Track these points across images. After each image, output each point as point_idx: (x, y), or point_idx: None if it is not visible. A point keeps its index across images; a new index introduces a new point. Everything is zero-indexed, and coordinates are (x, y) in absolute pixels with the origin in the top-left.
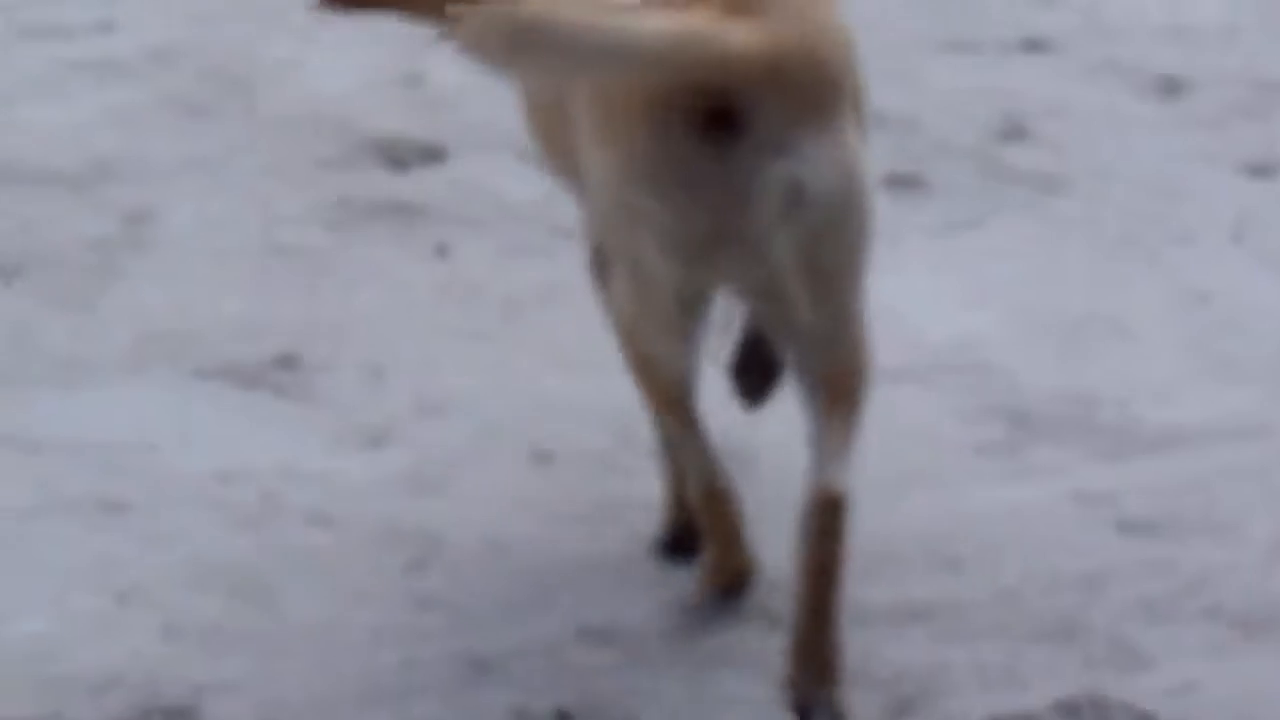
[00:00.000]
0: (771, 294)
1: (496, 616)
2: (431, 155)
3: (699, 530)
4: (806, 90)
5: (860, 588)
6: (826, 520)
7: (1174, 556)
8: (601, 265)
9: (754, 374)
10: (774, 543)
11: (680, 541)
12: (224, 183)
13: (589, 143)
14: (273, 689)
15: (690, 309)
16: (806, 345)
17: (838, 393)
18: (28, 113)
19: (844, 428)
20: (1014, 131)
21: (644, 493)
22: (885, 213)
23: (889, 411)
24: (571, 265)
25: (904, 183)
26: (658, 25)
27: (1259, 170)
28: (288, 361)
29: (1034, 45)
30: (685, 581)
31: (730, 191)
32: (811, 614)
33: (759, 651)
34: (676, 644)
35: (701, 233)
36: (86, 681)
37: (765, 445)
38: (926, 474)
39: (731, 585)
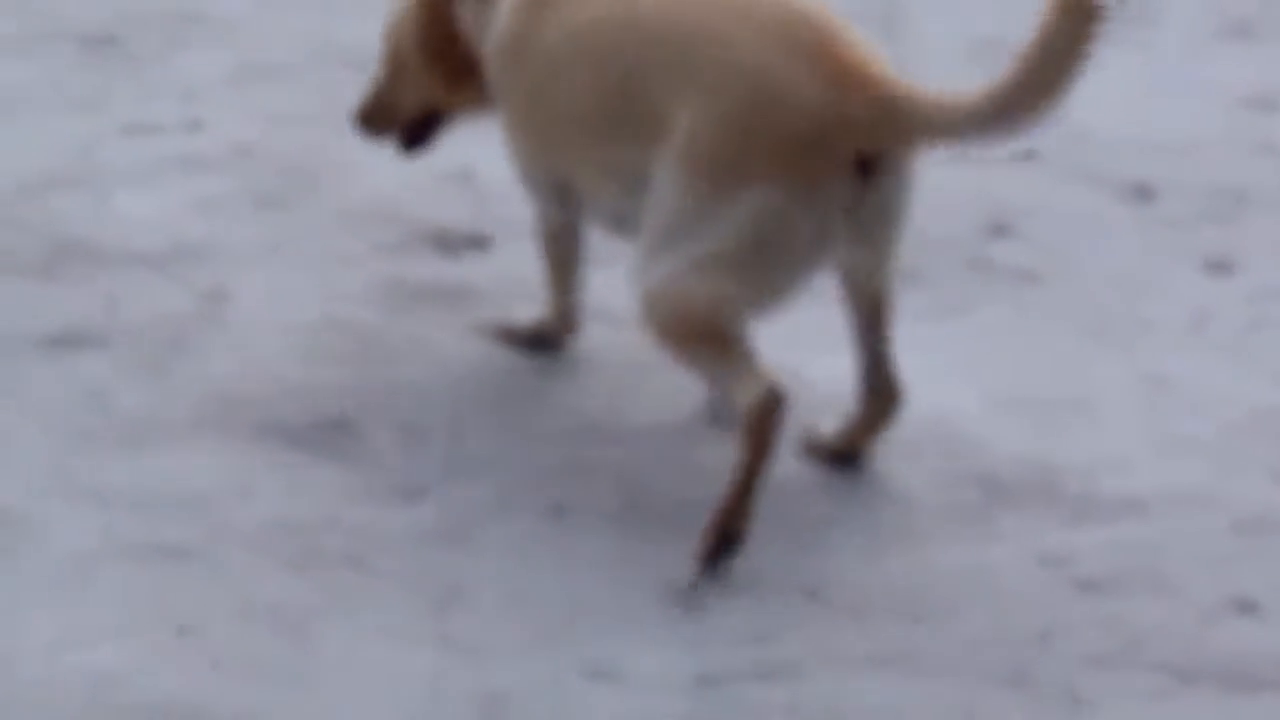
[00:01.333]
0: (858, 269)
1: (514, 656)
2: (478, 244)
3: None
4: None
5: (836, 634)
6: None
7: (1122, 613)
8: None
9: None
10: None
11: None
12: (291, 265)
13: (716, 172)
14: (308, 718)
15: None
16: (869, 291)
17: (882, 315)
18: (123, 201)
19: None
20: (999, 230)
21: (651, 546)
22: None
23: (873, 476)
24: (593, 345)
25: (900, 274)
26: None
27: (1218, 268)
28: (337, 424)
29: (1020, 154)
30: (690, 626)
31: (865, 213)
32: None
33: (763, 699)
34: (682, 683)
35: (838, 243)
36: (144, 708)
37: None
38: (902, 533)
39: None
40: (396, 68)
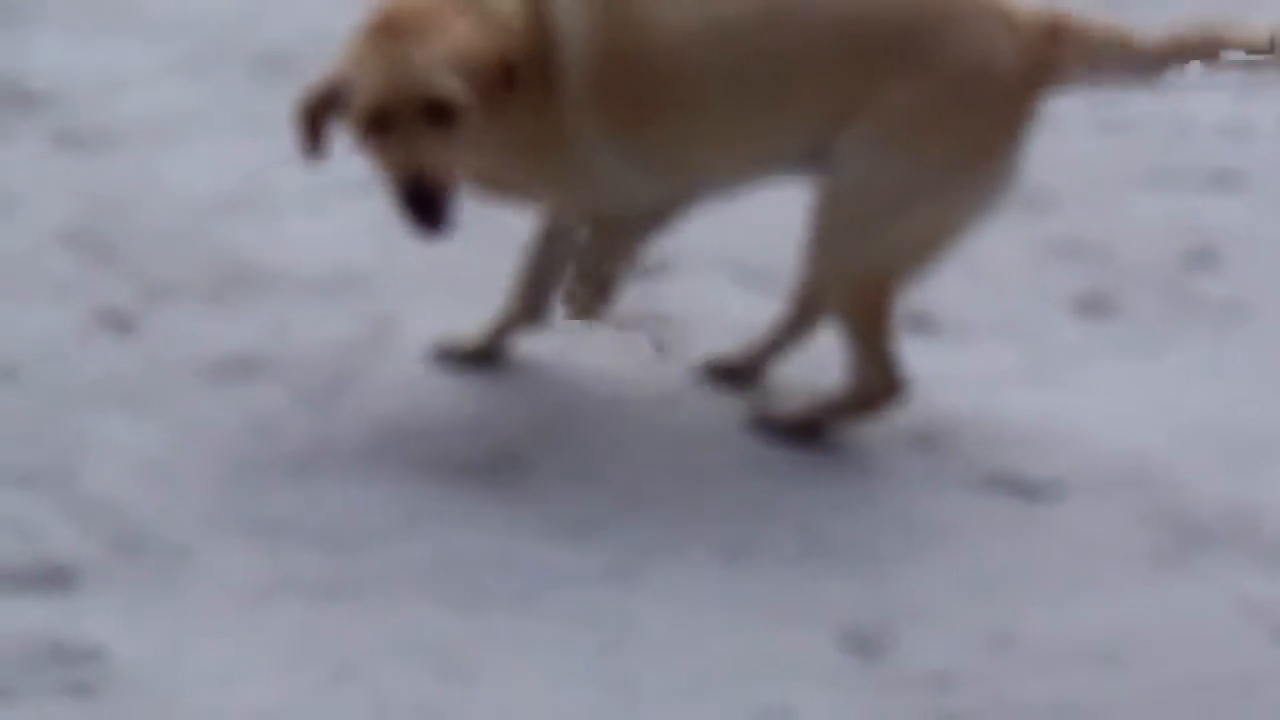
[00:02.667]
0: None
1: (679, 698)
2: (658, 271)
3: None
4: None
5: (1021, 682)
6: None
7: None
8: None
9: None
10: None
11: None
12: (461, 293)
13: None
14: None
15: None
16: None
17: None
18: (294, 226)
19: None
20: (1203, 260)
21: (827, 589)
22: (1074, 335)
23: (1066, 518)
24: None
25: (1094, 306)
26: None
27: None
28: (508, 458)
29: (1226, 178)
30: (866, 671)
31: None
32: None
33: None
34: None
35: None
36: None
37: None
38: (1096, 577)
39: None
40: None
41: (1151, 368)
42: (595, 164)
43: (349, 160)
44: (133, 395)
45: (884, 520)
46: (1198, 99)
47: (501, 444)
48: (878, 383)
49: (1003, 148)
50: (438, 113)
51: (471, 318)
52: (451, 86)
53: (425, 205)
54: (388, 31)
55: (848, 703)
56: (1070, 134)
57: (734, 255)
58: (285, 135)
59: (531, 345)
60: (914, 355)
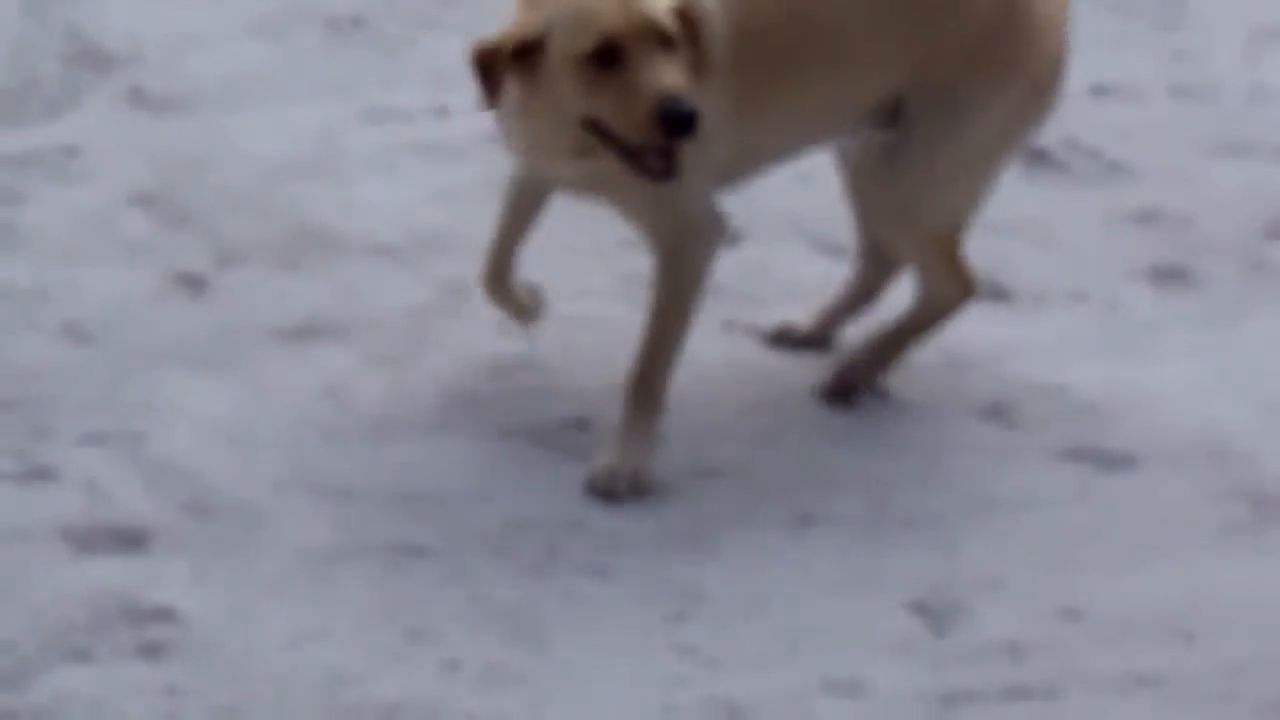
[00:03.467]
0: None
1: (750, 666)
2: (729, 239)
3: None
4: None
5: (1092, 653)
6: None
7: None
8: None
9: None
10: None
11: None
12: (533, 258)
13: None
14: None
15: None
16: None
17: None
18: (363, 190)
19: None
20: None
21: (898, 558)
22: (1150, 305)
23: (1139, 489)
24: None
25: (1170, 276)
26: None
27: None
28: (581, 424)
29: None
30: (937, 642)
31: None
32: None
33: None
34: (926, 701)
35: None
36: (377, 709)
37: None
38: (1169, 549)
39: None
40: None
41: (1228, 339)
42: (716, 142)
43: (423, 121)
44: (205, 358)
45: (955, 490)
46: (1274, 65)
47: (573, 409)
48: (954, 289)
49: (1057, 85)
50: (668, 46)
51: (545, 284)
52: (673, 25)
53: (681, 123)
54: None
55: (918, 673)
56: (1146, 102)
57: (807, 222)
58: (357, 98)
59: (604, 307)
60: (988, 325)
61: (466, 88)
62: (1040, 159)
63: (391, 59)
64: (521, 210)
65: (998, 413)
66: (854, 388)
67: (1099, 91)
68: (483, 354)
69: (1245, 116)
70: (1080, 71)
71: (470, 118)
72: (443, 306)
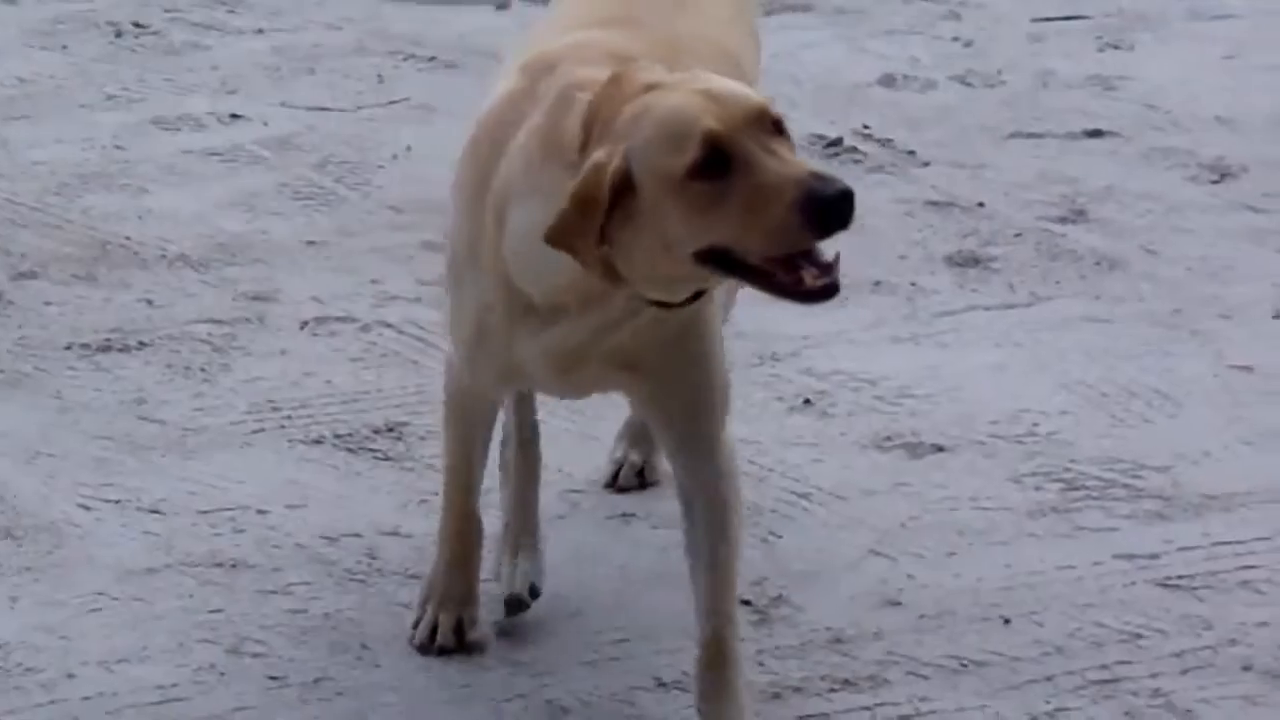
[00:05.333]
0: None
1: (577, 668)
2: None
3: None
4: None
5: (914, 641)
6: None
7: (1213, 614)
8: None
9: None
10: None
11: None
12: (337, 263)
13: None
14: None
15: None
16: None
17: None
18: (158, 199)
19: None
20: (1073, 214)
21: None
22: (950, 291)
23: (951, 476)
24: None
25: (969, 262)
26: None
27: None
28: (392, 430)
29: (1094, 133)
30: (764, 635)
31: None
32: None
33: (842, 709)
34: (756, 694)
35: None
36: None
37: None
38: (983, 534)
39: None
40: None
41: (1029, 323)
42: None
43: (215, 128)
44: (4, 375)
45: (771, 484)
46: (1058, 51)
47: (384, 415)
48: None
49: None
50: (779, 133)
51: (350, 290)
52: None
53: (838, 206)
54: (627, 84)
55: (745, 667)
56: (935, 91)
57: None
58: (146, 105)
59: (411, 312)
60: (795, 318)
61: (256, 93)
62: (835, 149)
63: (179, 65)
64: (485, 439)
65: (810, 405)
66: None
67: (889, 82)
68: (287, 363)
69: (1033, 102)
70: (870, 62)
71: (263, 123)
72: (245, 315)
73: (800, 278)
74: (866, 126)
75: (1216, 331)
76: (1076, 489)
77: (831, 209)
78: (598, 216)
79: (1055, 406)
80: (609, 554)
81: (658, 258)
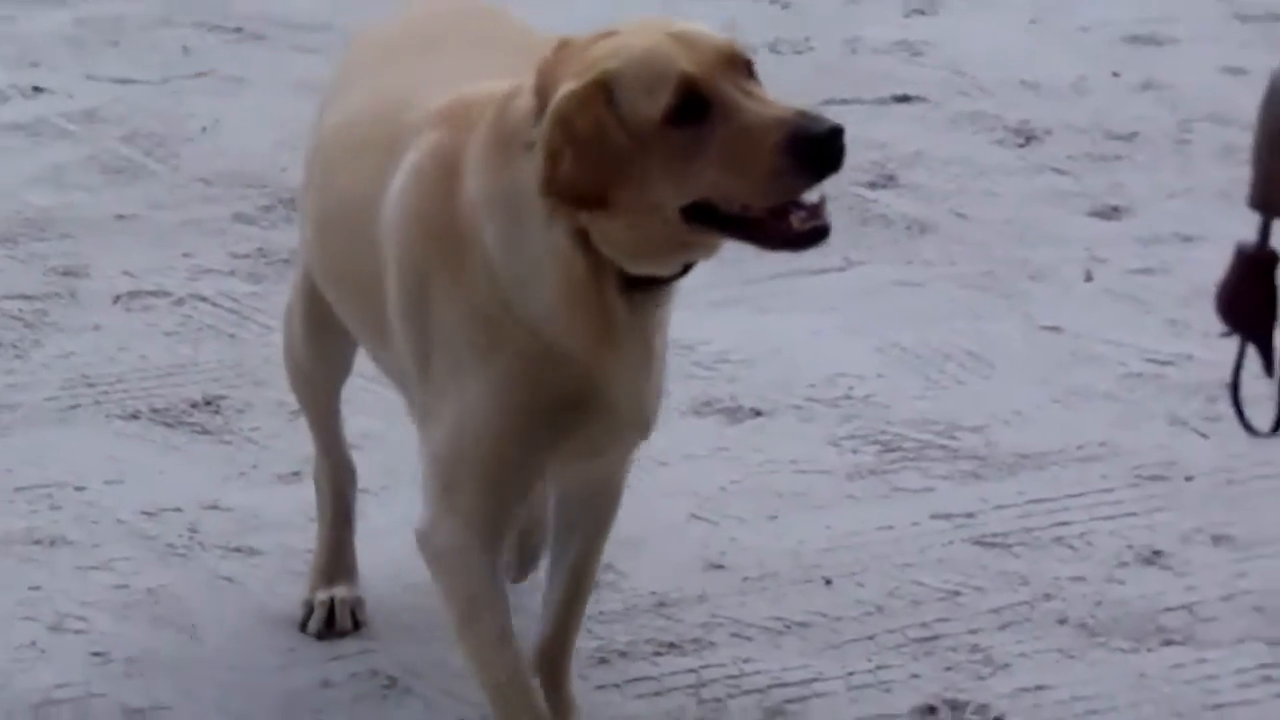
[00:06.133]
0: None
1: (405, 637)
2: None
3: None
4: None
5: (739, 603)
6: None
7: (1028, 570)
8: None
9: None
10: None
11: None
12: (148, 237)
13: None
14: (195, 711)
15: None
16: None
17: None
18: None
19: None
20: (883, 179)
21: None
22: (766, 257)
23: (771, 440)
24: None
25: None
26: None
27: (1106, 212)
28: (210, 403)
29: (902, 99)
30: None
31: None
32: None
33: (668, 672)
34: (584, 658)
35: None
36: (23, 708)
37: None
38: (802, 498)
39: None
40: None
41: (844, 287)
42: None
43: (17, 101)
44: None
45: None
46: (867, 18)
47: (201, 389)
48: None
49: None
50: (753, 76)
51: (162, 263)
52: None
53: (829, 144)
54: (576, 44)
55: None
56: None
57: None
58: None
59: (225, 284)
60: None
61: (60, 65)
62: None
63: None
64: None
65: None
66: None
67: None
68: (102, 337)
69: (843, 69)
70: None
71: (66, 97)
72: (56, 290)
73: (788, 223)
74: None
75: (1026, 293)
76: (893, 450)
77: (823, 148)
78: (591, 135)
79: (871, 370)
80: None
81: (643, 222)
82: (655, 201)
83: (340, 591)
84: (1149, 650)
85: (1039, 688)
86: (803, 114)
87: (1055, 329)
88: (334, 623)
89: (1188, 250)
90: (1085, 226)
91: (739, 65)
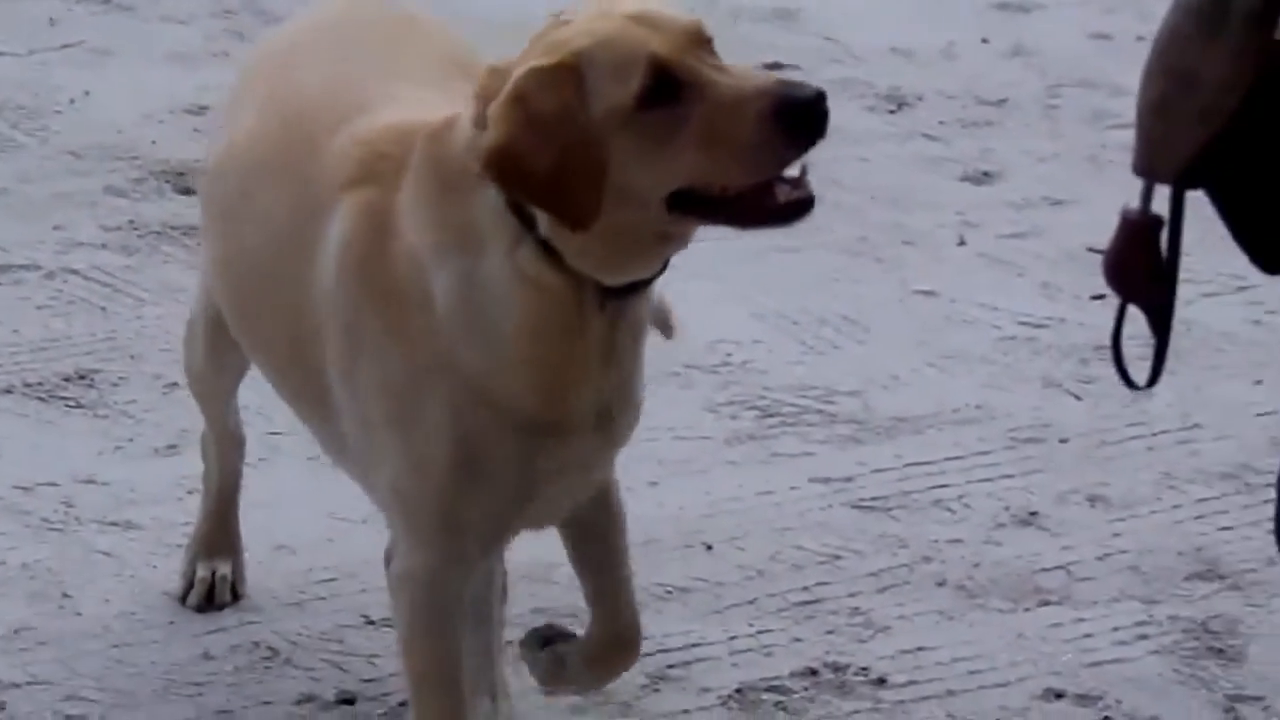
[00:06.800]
0: None
1: (284, 608)
2: None
3: None
4: None
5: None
6: None
7: (907, 533)
8: None
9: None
10: None
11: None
12: (18, 210)
13: None
14: (75, 685)
15: None
16: None
17: None
18: None
19: None
20: None
21: None
22: None
23: (651, 407)
24: None
25: None
26: None
27: (978, 177)
28: (84, 377)
29: (775, 66)
30: None
31: None
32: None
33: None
34: None
35: None
36: None
37: None
38: (683, 464)
39: None
40: None
41: (721, 254)
42: None
43: None
44: None
45: None
46: None
47: (77, 363)
48: None
49: None
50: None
51: (31, 236)
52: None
53: (813, 108)
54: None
55: None
56: None
57: None
58: None
59: (96, 257)
60: None
61: None
62: None
63: None
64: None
65: None
66: None
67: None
68: None
69: (718, 37)
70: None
71: None
72: None
73: (773, 196)
74: None
75: (900, 258)
76: (772, 416)
77: (809, 114)
78: (556, 117)
79: (748, 336)
80: (313, 495)
81: (623, 218)
82: (636, 193)
83: (221, 566)
84: (1026, 610)
85: (919, 649)
86: (783, 82)
87: (930, 293)
88: (214, 597)
89: (1058, 214)
90: (958, 192)
91: (704, 43)
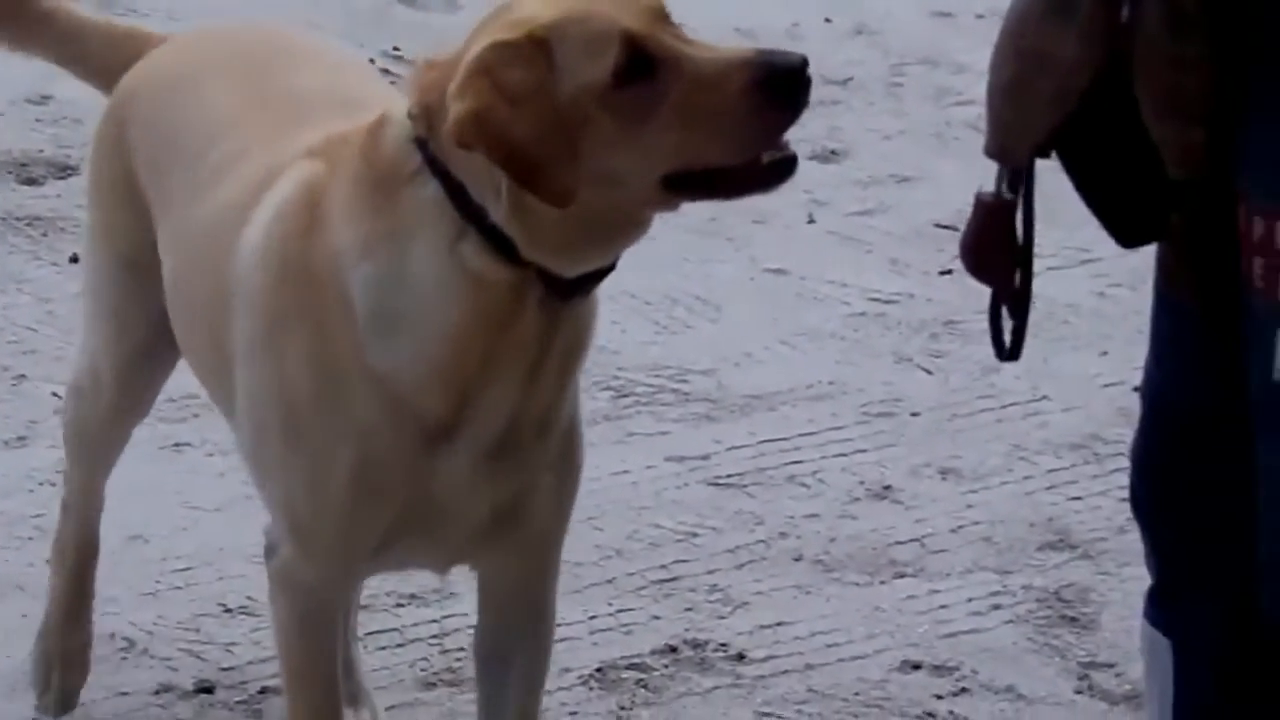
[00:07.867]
0: None
1: (140, 599)
2: (62, 170)
3: None
4: None
5: None
6: None
7: (763, 509)
8: None
9: None
10: None
11: None
12: None
13: None
14: None
15: None
16: None
17: None
18: None
19: None
20: None
21: None
22: None
23: None
24: None
25: None
26: None
27: (825, 156)
28: None
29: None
30: None
31: None
32: None
33: (410, 623)
34: None
35: None
36: None
37: None
38: None
39: None
40: None
41: None
42: None
43: None
44: None
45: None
46: None
47: None
48: None
49: None
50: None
51: None
52: None
53: (797, 75)
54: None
55: None
56: (463, 11)
57: None
58: None
59: None
60: None
61: None
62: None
63: None
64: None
65: None
66: None
67: (412, 1)
68: None
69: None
70: None
71: None
72: None
73: (758, 160)
74: (396, 49)
75: (751, 237)
76: (626, 395)
77: (794, 81)
78: (529, 92)
79: (602, 317)
80: (165, 483)
81: (610, 199)
82: (620, 175)
83: (71, 678)
84: (882, 583)
85: (778, 624)
86: (763, 51)
87: (781, 271)
88: (68, 706)
89: (905, 191)
90: (805, 170)
91: (667, 18)
